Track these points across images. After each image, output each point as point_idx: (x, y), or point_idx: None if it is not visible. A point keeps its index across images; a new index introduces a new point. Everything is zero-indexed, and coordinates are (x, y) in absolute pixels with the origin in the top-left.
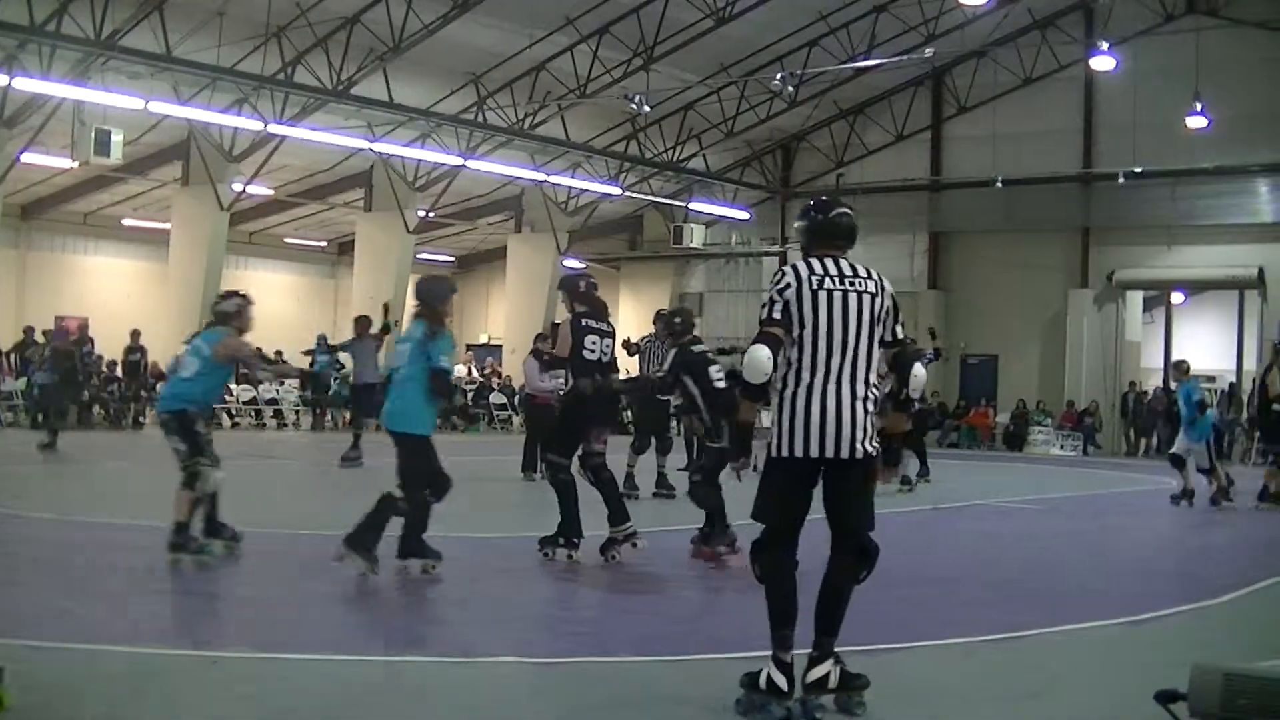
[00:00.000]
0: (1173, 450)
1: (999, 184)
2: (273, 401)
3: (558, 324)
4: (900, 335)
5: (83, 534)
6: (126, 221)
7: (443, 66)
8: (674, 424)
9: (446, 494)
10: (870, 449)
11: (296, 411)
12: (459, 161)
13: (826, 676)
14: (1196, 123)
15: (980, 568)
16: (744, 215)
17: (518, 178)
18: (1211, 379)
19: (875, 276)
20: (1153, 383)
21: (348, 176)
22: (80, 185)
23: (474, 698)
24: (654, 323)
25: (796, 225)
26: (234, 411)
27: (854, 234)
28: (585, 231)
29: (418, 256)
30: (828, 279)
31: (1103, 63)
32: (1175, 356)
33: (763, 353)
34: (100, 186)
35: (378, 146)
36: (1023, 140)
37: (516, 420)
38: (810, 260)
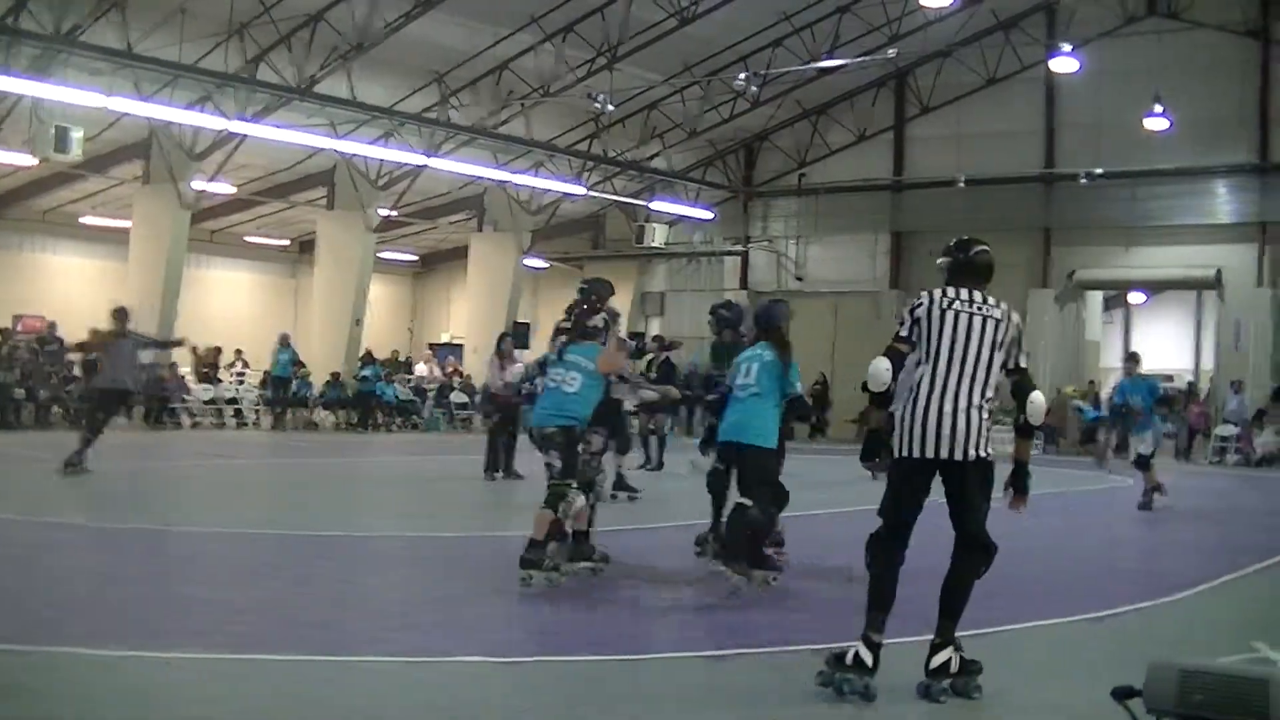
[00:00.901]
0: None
1: (961, 184)
2: (233, 401)
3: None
4: (1023, 364)
5: (40, 535)
6: (85, 220)
7: (406, 65)
8: (633, 423)
9: (785, 506)
10: (983, 454)
11: (256, 411)
12: (422, 160)
13: (948, 663)
14: (1157, 124)
15: (941, 565)
16: (707, 215)
17: (480, 177)
18: (1170, 378)
19: (1003, 307)
20: (1111, 382)
21: (310, 175)
22: (40, 182)
23: (437, 696)
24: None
25: (939, 262)
26: (194, 411)
27: (990, 270)
28: (548, 231)
29: (379, 255)
30: (957, 302)
31: (1065, 64)
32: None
33: (883, 364)
34: (60, 184)
35: (340, 145)
36: (985, 140)
37: (478, 419)
38: (946, 287)
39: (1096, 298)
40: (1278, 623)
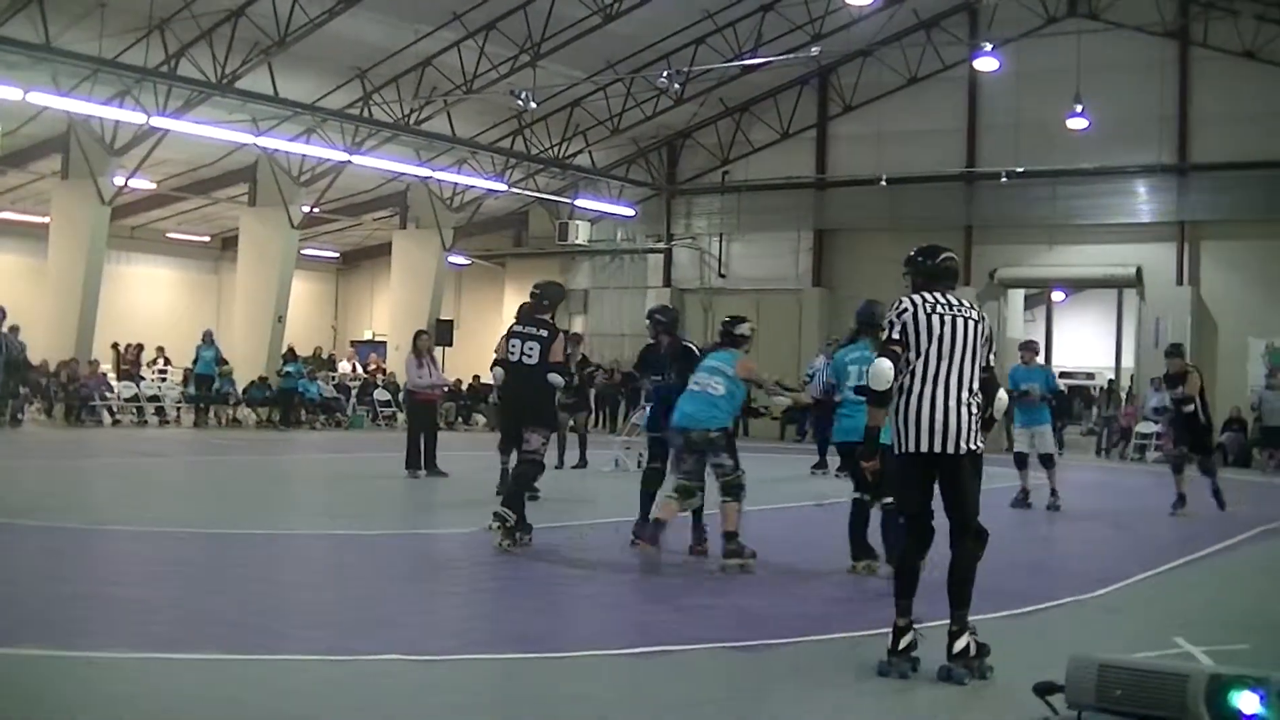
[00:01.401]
0: (1016, 449)
1: (883, 182)
2: (155, 398)
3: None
4: (991, 363)
5: None
6: (3, 215)
7: (328, 61)
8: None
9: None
10: (974, 446)
11: (178, 408)
12: (344, 157)
13: (967, 648)
14: (1077, 123)
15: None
16: (629, 212)
17: (403, 174)
18: (1091, 375)
19: (977, 308)
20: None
21: (232, 171)
22: None
23: (352, 695)
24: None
25: (906, 270)
26: (115, 409)
27: (957, 274)
28: (470, 228)
29: (302, 252)
30: (940, 305)
31: (986, 63)
32: (1055, 354)
33: (886, 365)
34: None
35: (262, 141)
36: (907, 139)
37: (401, 417)
38: (922, 293)
39: (1018, 296)
40: (1199, 619)
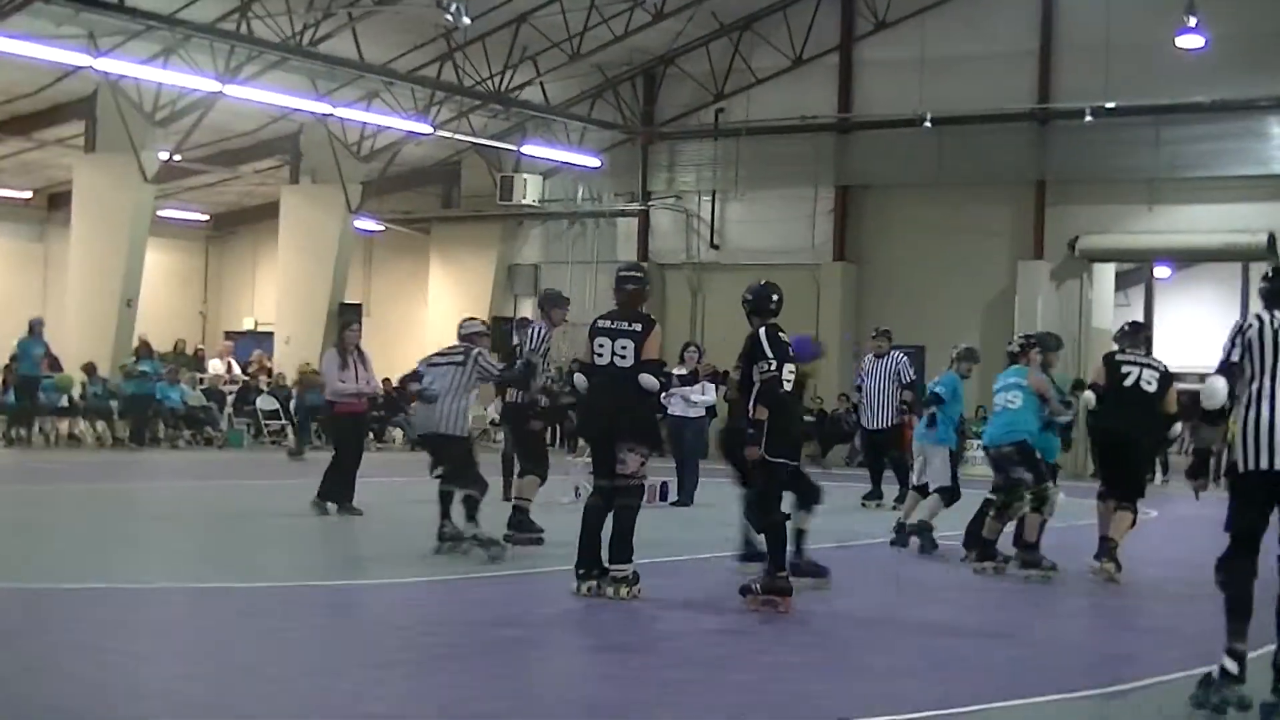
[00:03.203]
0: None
1: (927, 123)
2: None
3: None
4: None
5: None
6: None
7: None
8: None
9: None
10: None
11: None
12: (215, 87)
13: None
14: (1190, 42)
15: (896, 626)
16: (593, 163)
17: (294, 110)
18: (1204, 378)
19: None
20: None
21: (62, 105)
22: None
23: None
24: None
25: (1260, 287)
26: None
27: None
28: (385, 183)
29: (159, 214)
30: None
31: None
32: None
33: (1220, 383)
34: None
35: (103, 64)
36: (960, 66)
37: (291, 433)
38: (1273, 310)
39: (1107, 272)
40: None
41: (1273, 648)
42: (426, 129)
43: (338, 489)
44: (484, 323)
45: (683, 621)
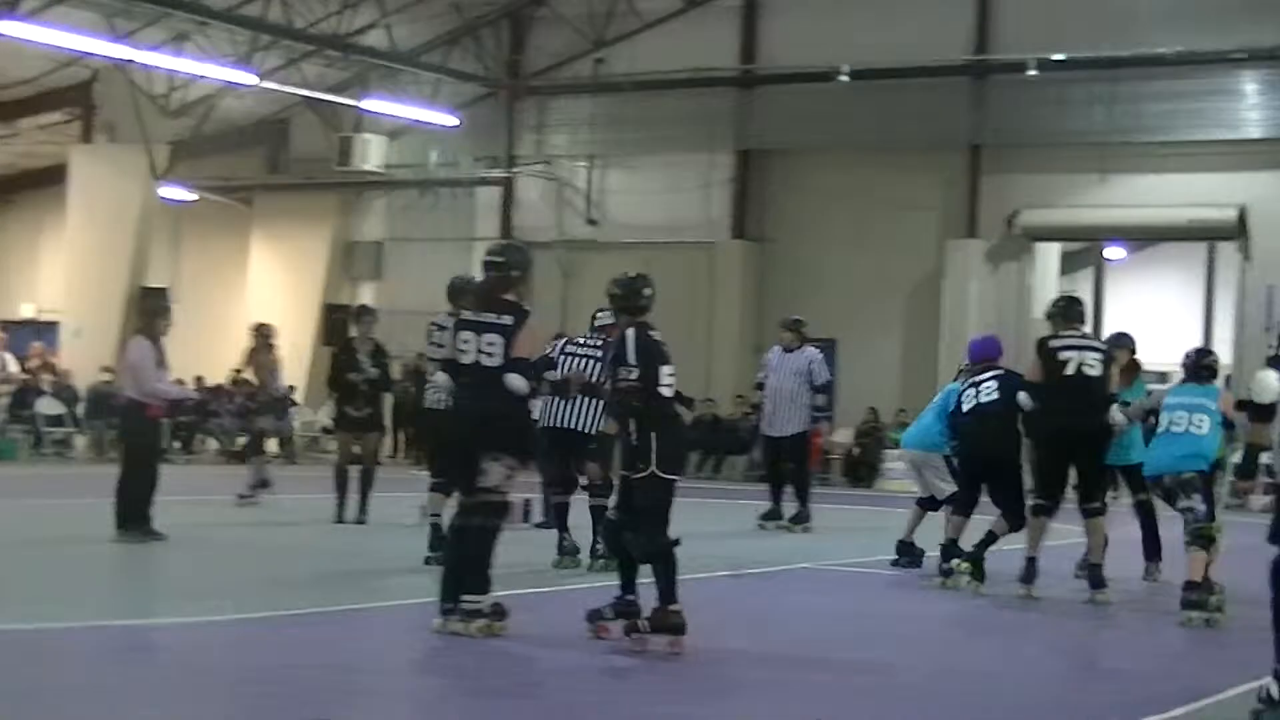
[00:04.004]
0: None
1: (844, 77)
2: None
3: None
4: None
5: None
6: None
7: None
8: None
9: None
10: None
11: None
12: None
13: None
14: None
15: (798, 663)
16: (449, 121)
17: (86, 54)
18: (1164, 376)
19: None
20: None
21: None
22: None
23: None
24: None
25: None
26: None
27: None
28: (198, 144)
29: None
30: None
31: None
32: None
33: (1272, 377)
34: None
35: None
36: (884, 11)
37: (81, 441)
38: None
39: (1051, 252)
40: None
41: None
42: (248, 79)
43: (142, 511)
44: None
45: (551, 663)
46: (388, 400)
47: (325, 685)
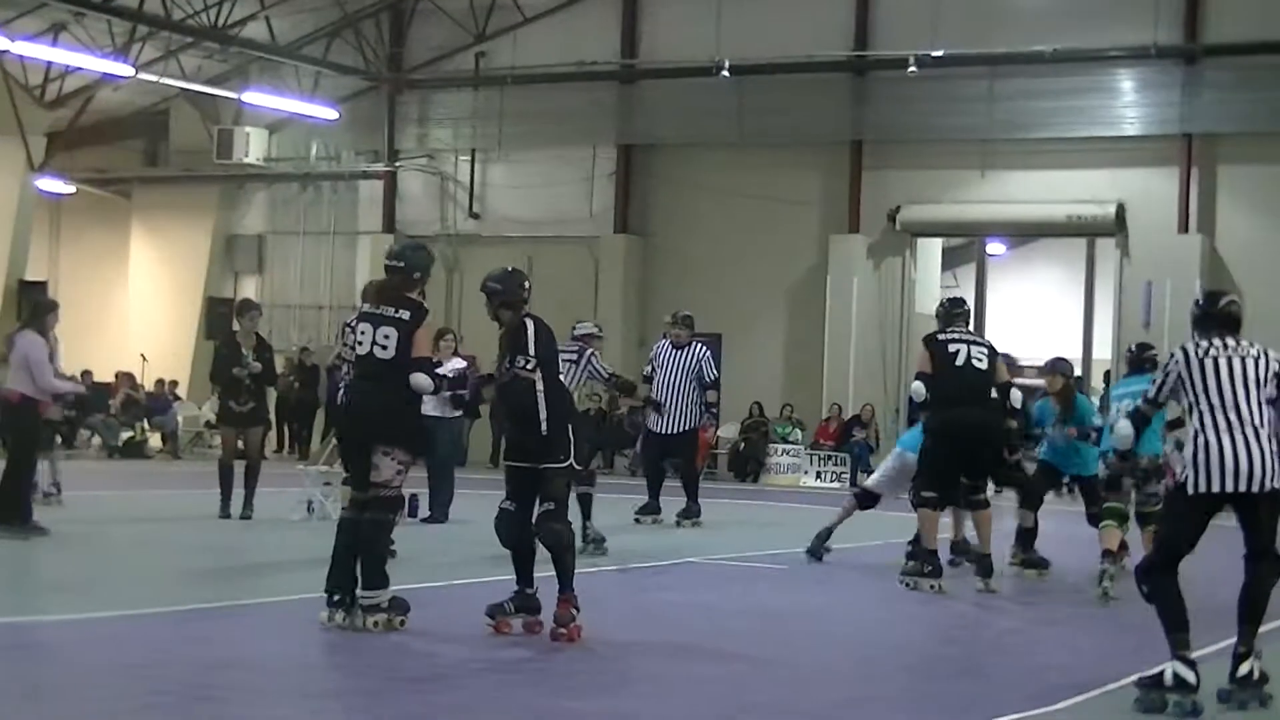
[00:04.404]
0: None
1: (725, 73)
2: None
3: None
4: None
5: None
6: None
7: None
8: None
9: None
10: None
11: None
12: None
13: (1252, 671)
14: None
15: (688, 657)
16: (330, 114)
17: None
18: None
19: (1260, 348)
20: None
21: None
22: None
23: None
24: None
25: (1193, 314)
26: None
27: (1239, 322)
28: (76, 135)
29: None
30: (1213, 349)
31: None
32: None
33: (1127, 428)
34: None
35: None
36: (765, 6)
37: None
38: (1202, 340)
39: (933, 248)
40: None
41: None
42: (126, 70)
43: (21, 504)
44: (598, 326)
45: (446, 658)
46: (271, 394)
47: (211, 682)
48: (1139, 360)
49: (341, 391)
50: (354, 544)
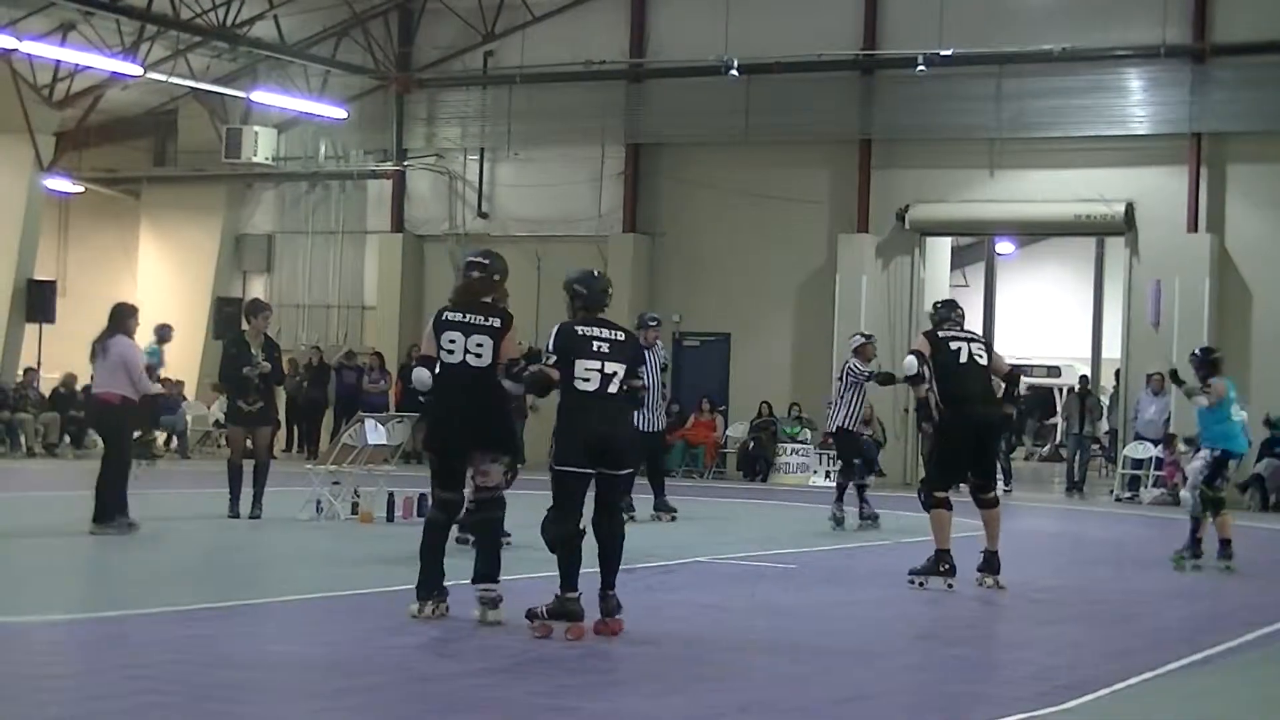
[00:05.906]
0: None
1: (734, 72)
2: None
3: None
4: None
5: None
6: None
7: None
8: None
9: None
10: None
11: None
12: None
13: None
14: None
15: (692, 656)
16: (338, 114)
17: None
18: (1055, 370)
19: None
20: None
21: None
22: None
23: None
24: None
25: None
26: None
27: None
28: (84, 135)
29: None
30: None
31: None
32: (1000, 336)
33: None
34: None
35: None
36: (772, 5)
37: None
38: None
39: (942, 247)
40: None
41: None
42: (135, 70)
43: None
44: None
45: (452, 656)
46: (281, 394)
47: (217, 681)
48: (1214, 363)
49: (430, 398)
50: (444, 542)
